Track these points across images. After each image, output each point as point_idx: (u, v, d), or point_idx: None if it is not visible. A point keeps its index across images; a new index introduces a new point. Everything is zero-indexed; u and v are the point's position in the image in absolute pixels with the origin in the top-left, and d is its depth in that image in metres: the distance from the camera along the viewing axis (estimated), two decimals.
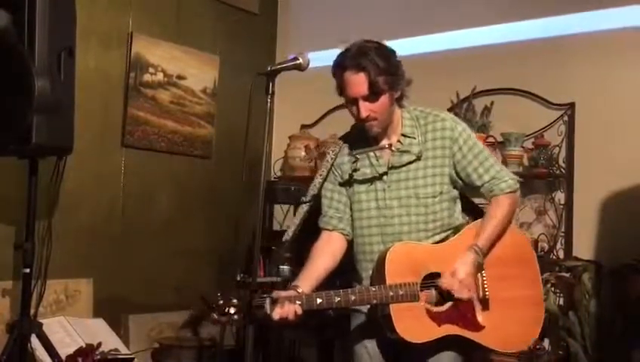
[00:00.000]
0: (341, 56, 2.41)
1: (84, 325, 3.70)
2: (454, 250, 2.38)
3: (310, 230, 2.55)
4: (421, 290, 2.32)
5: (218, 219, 4.56)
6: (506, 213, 2.44)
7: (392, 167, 2.45)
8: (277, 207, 4.77)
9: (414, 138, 2.45)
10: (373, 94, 2.35)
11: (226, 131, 4.60)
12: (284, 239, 2.47)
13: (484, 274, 2.39)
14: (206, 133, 4.57)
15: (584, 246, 3.74)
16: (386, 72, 2.35)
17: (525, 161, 3.92)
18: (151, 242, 4.26)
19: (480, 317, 2.33)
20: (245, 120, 2.40)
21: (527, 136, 3.93)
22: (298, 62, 2.35)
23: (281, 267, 3.99)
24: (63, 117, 3.17)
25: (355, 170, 2.50)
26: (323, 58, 5.09)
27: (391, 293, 2.28)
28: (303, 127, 4.87)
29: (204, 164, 4.58)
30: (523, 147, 3.90)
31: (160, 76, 4.30)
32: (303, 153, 4.66)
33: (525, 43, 4.08)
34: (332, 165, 2.54)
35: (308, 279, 2.40)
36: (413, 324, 2.29)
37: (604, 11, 3.86)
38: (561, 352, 3.63)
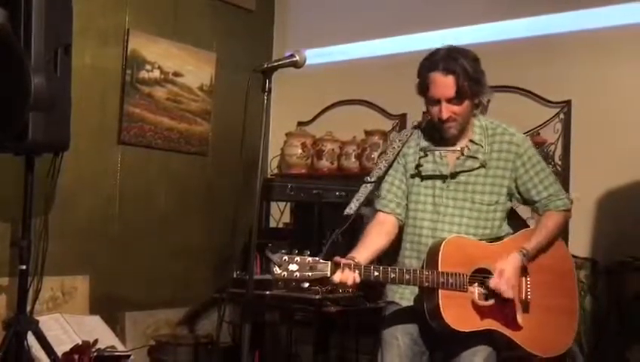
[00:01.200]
0: (430, 56, 2.48)
1: (80, 322, 3.70)
2: (504, 250, 2.46)
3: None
4: (469, 283, 2.38)
5: (214, 216, 4.56)
6: (557, 227, 2.55)
7: (454, 171, 2.52)
8: (273, 204, 4.78)
9: (481, 146, 2.53)
10: (458, 98, 2.43)
11: (223, 128, 4.60)
12: (346, 212, 2.53)
13: (528, 280, 2.48)
14: (202, 130, 4.57)
15: (580, 244, 3.75)
16: (473, 79, 2.44)
17: None
18: (147, 239, 4.26)
19: (520, 317, 2.42)
20: (242, 117, 2.40)
21: (524, 133, 3.92)
22: (295, 59, 2.36)
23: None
24: (60, 114, 3.18)
25: (419, 165, 2.56)
26: (320, 55, 5.10)
27: (442, 279, 2.34)
28: (300, 124, 4.86)
29: (200, 161, 4.58)
30: None
31: (156, 73, 4.30)
32: (300, 150, 4.67)
33: (522, 41, 4.09)
34: (399, 152, 2.60)
35: (364, 252, 2.45)
36: (459, 313, 2.36)
37: (601, 9, 3.87)
38: None
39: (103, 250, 4.03)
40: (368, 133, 4.46)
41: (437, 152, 2.54)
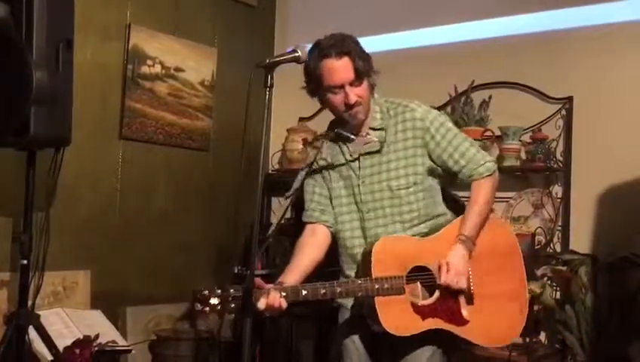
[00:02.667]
0: (316, 47, 2.41)
1: (81, 317, 3.71)
2: (440, 243, 2.39)
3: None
4: (407, 284, 2.33)
5: (216, 211, 4.56)
6: (487, 197, 2.45)
7: (363, 154, 2.46)
8: (274, 200, 4.78)
9: (384, 130, 2.47)
10: (359, 78, 2.38)
11: (224, 124, 4.59)
12: (267, 234, 2.50)
13: (469, 269, 2.40)
14: (204, 125, 4.57)
15: (581, 240, 3.75)
16: (364, 58, 2.40)
17: (523, 155, 3.93)
18: (149, 234, 4.26)
19: (465, 311, 2.35)
20: (243, 112, 2.39)
21: (525, 130, 3.93)
22: (297, 54, 2.35)
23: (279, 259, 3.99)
24: (61, 108, 3.17)
25: (331, 166, 2.53)
26: None
27: (376, 286, 2.29)
28: (301, 119, 4.86)
29: (201, 156, 4.57)
30: (521, 141, 3.90)
31: (158, 68, 4.30)
32: (301, 146, 4.66)
33: (524, 37, 4.08)
34: (314, 161, 2.56)
35: (293, 273, 2.41)
36: (398, 317, 2.30)
37: (603, 5, 3.86)
38: (557, 345, 3.65)
39: (104, 244, 4.03)
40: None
41: (345, 148, 2.49)
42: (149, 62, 4.24)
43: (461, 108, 4.04)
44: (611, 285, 3.51)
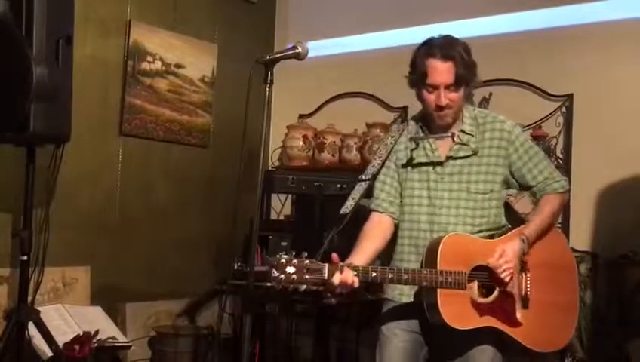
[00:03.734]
0: (428, 43, 2.47)
1: (81, 313, 3.71)
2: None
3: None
4: (469, 281, 2.38)
5: (215, 207, 4.56)
6: (554, 210, 2.54)
7: (448, 158, 2.52)
8: (274, 196, 4.78)
9: (472, 135, 2.53)
10: (456, 84, 2.43)
11: (224, 120, 4.59)
12: (342, 212, 2.53)
13: (528, 275, 2.47)
14: (204, 121, 4.57)
15: (581, 238, 3.75)
16: (469, 67, 2.45)
17: None
18: (148, 230, 4.26)
19: (519, 314, 2.41)
20: (243, 109, 2.39)
21: (525, 127, 3.92)
22: (297, 51, 2.35)
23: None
24: (61, 105, 3.17)
25: (411, 158, 2.56)
26: (321, 48, 5.08)
27: (440, 279, 2.34)
28: (301, 116, 4.86)
29: (201, 153, 4.57)
30: None
31: (158, 64, 4.29)
32: (301, 143, 4.67)
33: (524, 34, 4.08)
34: (391, 149, 2.60)
35: (361, 256, 2.44)
36: (457, 311, 2.36)
37: (603, 3, 3.86)
38: None
39: (104, 241, 4.03)
40: (370, 126, 4.46)
41: (428, 144, 2.54)
42: (149, 58, 4.24)
43: None
44: (611, 282, 3.52)
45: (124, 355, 3.86)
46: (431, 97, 2.46)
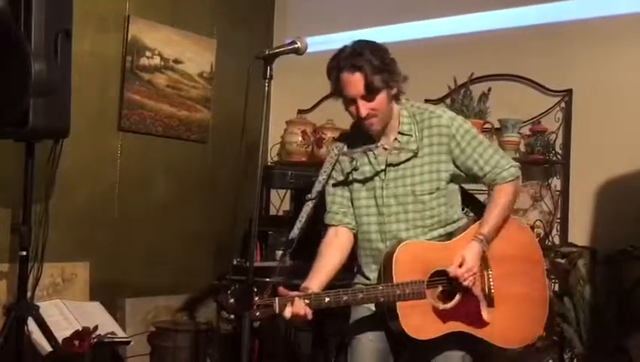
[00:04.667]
0: (335, 57, 2.43)
1: (80, 308, 3.71)
2: (460, 248, 2.41)
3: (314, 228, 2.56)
4: (428, 288, 2.35)
5: (215, 203, 4.56)
6: (508, 200, 2.48)
7: (389, 165, 2.48)
8: (273, 192, 4.78)
9: (411, 135, 2.48)
10: (370, 92, 2.38)
11: (223, 116, 4.59)
12: (290, 237, 2.47)
13: (490, 272, 2.43)
14: (203, 117, 4.56)
15: (580, 233, 3.76)
16: (382, 70, 2.38)
17: (522, 148, 3.93)
18: (148, 226, 4.26)
19: (485, 313, 2.37)
20: (242, 104, 2.39)
21: (525, 122, 3.93)
22: (296, 46, 2.34)
23: (278, 252, 3.99)
24: (60, 100, 3.17)
25: (354, 169, 2.53)
26: (321, 43, 5.07)
27: (398, 292, 2.31)
28: (300, 112, 4.86)
29: (200, 148, 4.57)
30: (520, 133, 3.90)
31: (157, 60, 4.29)
32: (300, 138, 4.66)
33: (523, 29, 4.08)
34: (336, 162, 2.56)
35: (317, 278, 2.43)
36: (420, 321, 2.33)
37: None
38: (555, 338, 3.66)
39: (103, 236, 4.03)
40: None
41: (370, 153, 2.50)
42: (148, 53, 4.24)
43: (460, 101, 4.04)
44: (609, 277, 3.52)
45: (124, 350, 3.87)
46: (352, 109, 2.43)
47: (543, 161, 3.84)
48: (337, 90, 2.44)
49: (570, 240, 3.77)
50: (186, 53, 4.43)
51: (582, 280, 3.51)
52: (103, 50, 4.04)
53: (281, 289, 2.26)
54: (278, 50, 2.32)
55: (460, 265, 2.34)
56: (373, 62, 2.36)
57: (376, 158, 2.50)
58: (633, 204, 3.64)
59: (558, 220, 3.85)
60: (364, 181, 2.52)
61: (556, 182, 3.90)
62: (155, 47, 4.27)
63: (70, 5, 3.25)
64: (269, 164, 4.79)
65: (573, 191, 3.84)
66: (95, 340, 3.40)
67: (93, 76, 3.98)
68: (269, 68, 2.28)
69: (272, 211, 4.81)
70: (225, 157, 4.56)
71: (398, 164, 2.47)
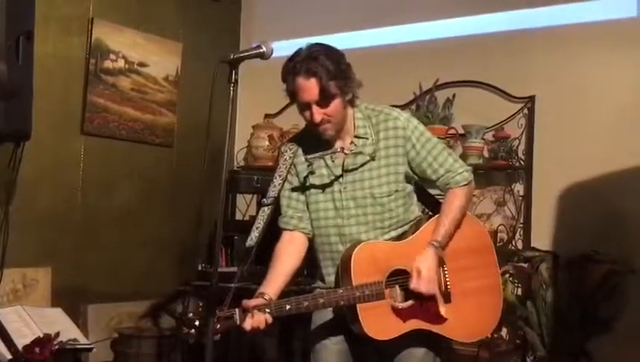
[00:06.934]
0: (290, 61, 2.40)
1: (42, 314, 3.65)
2: (416, 246, 2.43)
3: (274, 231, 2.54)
4: (386, 288, 2.36)
5: (180, 208, 4.53)
6: (462, 204, 2.49)
7: (346, 170, 2.48)
8: (239, 197, 4.76)
9: (367, 138, 2.47)
10: (325, 98, 2.36)
11: (189, 120, 4.56)
12: (247, 244, 2.44)
13: (445, 268, 2.44)
14: (168, 121, 4.53)
15: (542, 237, 3.81)
16: (337, 76, 2.36)
17: (486, 153, 3.97)
18: (111, 231, 4.21)
19: (443, 309, 2.39)
20: (208, 108, 2.38)
21: (488, 128, 3.97)
22: (261, 50, 2.34)
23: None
24: (21, 102, 3.13)
25: (311, 173, 2.51)
26: (288, 47, 5.06)
27: (357, 294, 2.32)
28: (267, 116, 4.85)
29: (165, 152, 4.53)
30: (484, 139, 3.95)
31: (121, 63, 4.24)
32: (267, 143, 4.65)
33: (487, 36, 4.13)
34: (290, 165, 2.54)
35: (273, 284, 2.41)
36: (380, 322, 2.34)
37: (565, 6, 3.92)
38: (518, 341, 3.71)
39: (66, 241, 3.97)
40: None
41: (327, 157, 2.49)
42: (112, 56, 4.19)
43: (425, 107, 4.08)
44: (571, 281, 3.57)
45: (86, 357, 3.81)
46: (306, 114, 2.41)
47: (506, 166, 3.89)
48: (292, 95, 2.41)
49: (532, 244, 3.82)
50: (151, 57, 4.40)
51: (544, 284, 3.55)
52: (66, 53, 3.99)
53: (244, 302, 2.25)
54: (243, 55, 2.32)
55: (417, 279, 2.35)
56: (329, 67, 2.34)
57: (333, 161, 2.49)
58: (594, 209, 3.70)
59: (521, 225, 3.90)
60: (321, 185, 2.51)
61: (519, 188, 3.95)
62: (120, 49, 4.23)
63: (32, 7, 3.21)
64: (235, 168, 4.78)
65: (536, 197, 3.89)
66: (57, 347, 3.35)
67: (55, 79, 3.93)
68: (234, 72, 2.28)
69: (238, 216, 4.79)
70: (190, 161, 4.54)
71: (356, 168, 2.47)
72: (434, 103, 4.08)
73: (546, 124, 3.91)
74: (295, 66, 2.36)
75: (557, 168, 3.83)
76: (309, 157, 2.52)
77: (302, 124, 4.73)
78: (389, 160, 2.46)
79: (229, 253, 4.13)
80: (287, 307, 2.27)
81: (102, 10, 4.13)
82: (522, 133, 3.95)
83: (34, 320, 3.57)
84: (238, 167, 4.83)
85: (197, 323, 2.18)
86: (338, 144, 2.49)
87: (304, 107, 2.40)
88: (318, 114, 2.37)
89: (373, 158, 2.46)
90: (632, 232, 3.61)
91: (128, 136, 4.31)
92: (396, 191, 2.47)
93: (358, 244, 2.39)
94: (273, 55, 2.40)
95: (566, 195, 3.80)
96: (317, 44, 2.42)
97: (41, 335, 3.37)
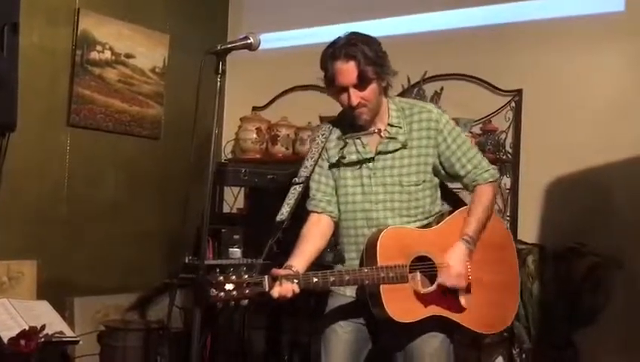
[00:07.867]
0: (330, 47, 2.47)
1: (27, 307, 3.62)
2: (442, 235, 2.49)
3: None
4: (410, 272, 2.40)
5: (167, 200, 4.51)
6: (490, 200, 2.57)
7: (379, 153, 2.53)
8: (227, 190, 4.75)
9: (400, 127, 2.53)
10: (362, 82, 2.43)
11: (176, 111, 4.54)
12: (278, 219, 2.51)
13: (468, 268, 2.49)
14: (155, 113, 4.51)
15: (529, 230, 3.83)
16: (375, 62, 2.44)
17: None
18: (98, 223, 4.19)
19: (462, 299, 2.45)
20: (195, 100, 2.37)
21: (476, 121, 3.98)
22: (249, 41, 2.34)
23: (231, 249, 3.97)
24: (7, 93, 3.10)
25: (342, 157, 2.57)
26: (276, 39, 5.06)
27: (382, 275, 2.36)
28: (255, 108, 4.84)
29: (152, 144, 4.51)
30: (471, 132, 3.95)
31: (107, 54, 4.22)
32: (254, 135, 4.64)
33: (475, 29, 4.14)
34: (322, 148, 2.60)
35: (301, 259, 2.45)
36: (402, 304, 2.38)
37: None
38: (505, 334, 3.72)
39: (52, 234, 3.95)
40: (323, 119, 4.45)
41: (358, 140, 2.55)
42: (99, 47, 4.16)
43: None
44: (558, 274, 3.59)
45: (72, 350, 3.80)
46: (343, 98, 2.47)
47: (494, 159, 3.89)
48: (329, 79, 2.46)
49: (519, 237, 3.83)
50: (137, 48, 4.37)
51: (531, 276, 3.57)
52: (53, 44, 3.96)
53: (273, 270, 2.28)
54: (230, 46, 2.32)
55: (449, 276, 2.41)
56: (367, 52, 2.42)
57: (364, 147, 2.55)
58: (580, 202, 3.72)
59: (508, 218, 3.92)
60: (351, 169, 2.56)
61: (506, 181, 3.96)
62: (106, 41, 4.20)
63: None
64: (222, 161, 4.76)
65: (523, 190, 3.91)
66: (42, 340, 3.33)
67: (41, 70, 3.90)
68: (221, 63, 2.27)
69: (226, 209, 4.78)
70: (177, 153, 4.51)
71: (387, 153, 2.53)
72: (422, 96, 4.08)
73: (533, 117, 3.92)
74: (334, 52, 2.44)
75: (544, 161, 3.85)
76: (343, 136, 2.57)
77: (290, 116, 4.75)
78: (420, 150, 2.53)
79: (216, 246, 4.12)
80: (315, 280, 2.31)
81: (88, 0, 4.10)
82: (509, 126, 3.96)
83: (20, 312, 3.55)
84: (225, 160, 4.82)
85: (229, 286, 2.17)
86: (373, 128, 2.54)
87: (341, 91, 2.46)
88: (355, 97, 2.43)
89: (404, 147, 2.52)
90: (617, 225, 3.64)
91: (115, 128, 4.28)
92: (424, 181, 2.53)
93: (385, 228, 2.44)
94: (261, 47, 2.40)
95: (553, 188, 3.82)
96: (355, 32, 2.50)
97: (27, 328, 3.35)
